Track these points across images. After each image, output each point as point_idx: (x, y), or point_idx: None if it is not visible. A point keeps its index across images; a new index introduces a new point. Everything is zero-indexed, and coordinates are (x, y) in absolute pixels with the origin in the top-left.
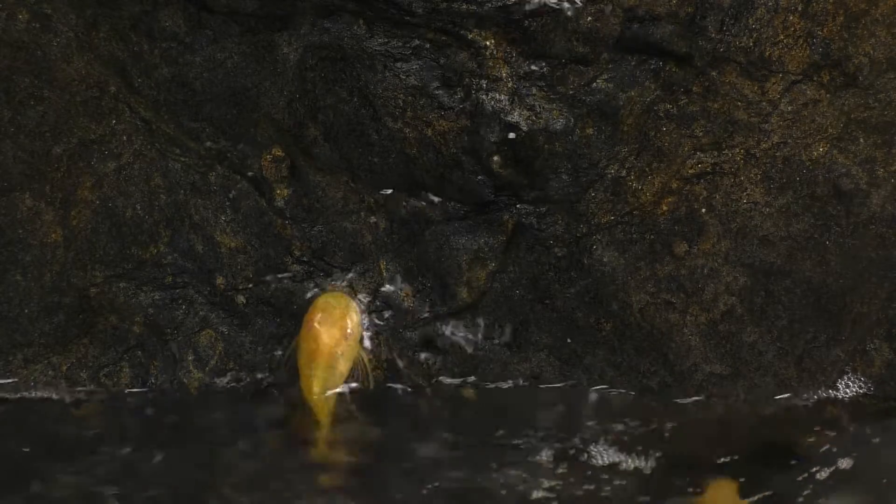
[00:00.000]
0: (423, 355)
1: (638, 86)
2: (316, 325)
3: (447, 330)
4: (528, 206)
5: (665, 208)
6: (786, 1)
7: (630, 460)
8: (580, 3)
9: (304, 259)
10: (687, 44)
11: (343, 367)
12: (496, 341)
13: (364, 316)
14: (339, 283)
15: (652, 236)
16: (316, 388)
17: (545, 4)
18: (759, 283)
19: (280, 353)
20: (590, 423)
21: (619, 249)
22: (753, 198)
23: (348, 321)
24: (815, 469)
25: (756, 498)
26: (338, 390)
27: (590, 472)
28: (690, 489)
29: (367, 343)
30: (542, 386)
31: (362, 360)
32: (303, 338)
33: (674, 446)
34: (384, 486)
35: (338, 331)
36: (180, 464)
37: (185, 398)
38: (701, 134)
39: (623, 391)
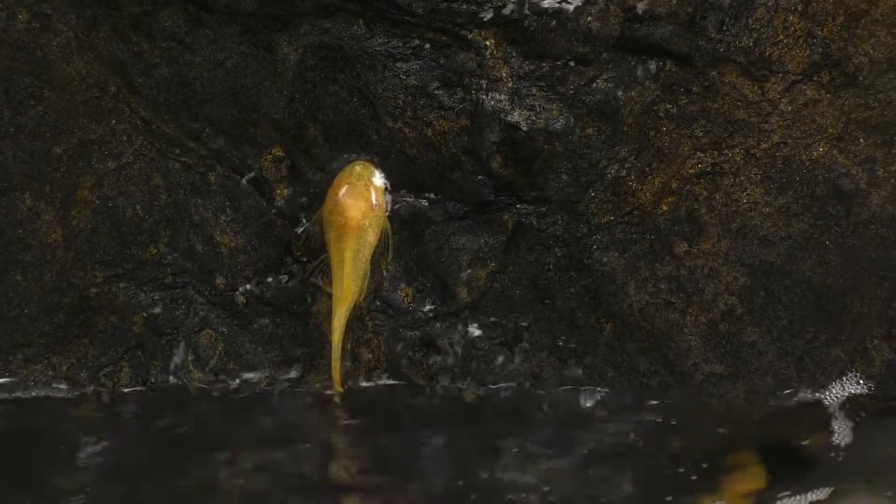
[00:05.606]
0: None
1: (638, 86)
2: (342, 198)
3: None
4: (528, 206)
5: (665, 208)
6: (786, 1)
7: None
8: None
9: (304, 259)
10: (687, 44)
11: (371, 237)
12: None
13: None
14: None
15: (652, 236)
16: (347, 260)
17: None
18: (759, 283)
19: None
20: None
21: (619, 249)
22: (753, 198)
23: (373, 192)
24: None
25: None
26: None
27: None
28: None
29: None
30: None
31: (387, 230)
32: (329, 212)
33: None
34: None
35: (364, 202)
36: None
37: None
38: (701, 134)
39: None
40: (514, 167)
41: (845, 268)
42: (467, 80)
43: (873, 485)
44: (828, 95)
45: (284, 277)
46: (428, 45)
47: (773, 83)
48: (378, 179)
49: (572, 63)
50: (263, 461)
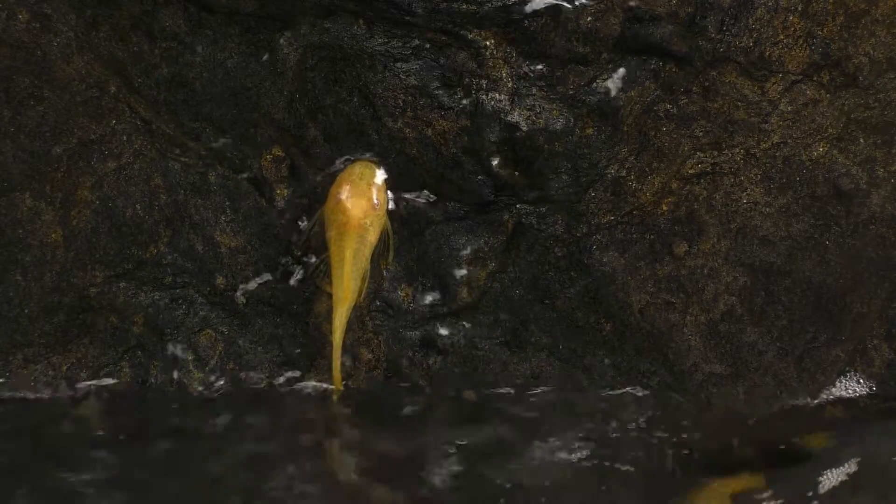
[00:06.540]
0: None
1: (638, 86)
2: (344, 197)
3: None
4: (528, 206)
5: (665, 208)
6: (786, 1)
7: None
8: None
9: (305, 259)
10: (687, 44)
11: (372, 236)
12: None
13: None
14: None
15: (652, 236)
16: (348, 259)
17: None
18: (759, 283)
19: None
20: None
21: (619, 249)
22: (753, 198)
23: (374, 191)
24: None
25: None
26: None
27: None
28: None
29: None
30: None
31: (388, 229)
32: (331, 211)
33: None
34: None
35: (365, 202)
36: None
37: None
38: (701, 134)
39: None
40: (514, 167)
41: (845, 268)
42: (467, 80)
43: (873, 485)
44: (828, 95)
45: (284, 277)
46: (428, 45)
47: (773, 83)
48: (379, 179)
49: (572, 63)
50: (264, 461)
